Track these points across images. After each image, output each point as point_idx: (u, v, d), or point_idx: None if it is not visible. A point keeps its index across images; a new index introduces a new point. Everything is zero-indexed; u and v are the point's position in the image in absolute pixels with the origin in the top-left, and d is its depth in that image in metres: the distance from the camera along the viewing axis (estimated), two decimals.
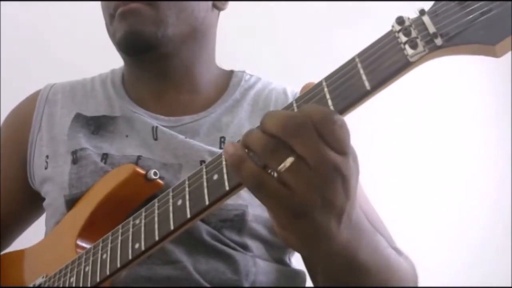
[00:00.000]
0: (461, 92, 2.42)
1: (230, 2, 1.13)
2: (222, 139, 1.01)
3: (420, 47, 0.54)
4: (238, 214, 0.94)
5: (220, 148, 0.99)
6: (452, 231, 2.28)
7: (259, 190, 0.58)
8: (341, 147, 0.56)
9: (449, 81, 2.31)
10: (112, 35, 1.04)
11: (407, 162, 2.24)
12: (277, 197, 0.57)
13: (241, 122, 1.03)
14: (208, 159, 0.94)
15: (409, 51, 0.54)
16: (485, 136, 2.47)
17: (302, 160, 0.55)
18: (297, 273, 1.03)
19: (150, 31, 0.98)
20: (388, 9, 2.00)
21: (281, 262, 1.02)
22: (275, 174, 0.57)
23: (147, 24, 0.98)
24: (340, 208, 0.58)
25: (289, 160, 0.56)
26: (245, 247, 0.96)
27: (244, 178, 0.58)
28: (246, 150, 0.59)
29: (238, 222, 0.94)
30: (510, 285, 2.22)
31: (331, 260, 0.68)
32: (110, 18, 1.02)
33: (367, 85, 0.57)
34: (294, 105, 0.62)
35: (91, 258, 0.85)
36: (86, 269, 0.84)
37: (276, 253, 1.01)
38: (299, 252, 0.75)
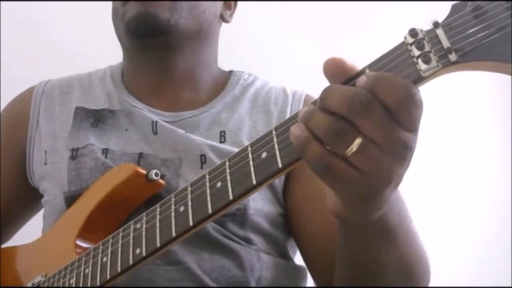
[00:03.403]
0: (461, 92, 2.40)
1: (238, 3, 1.17)
2: (222, 133, 1.01)
3: (434, 62, 0.52)
4: (239, 208, 0.94)
5: (221, 142, 0.99)
6: (452, 231, 2.28)
7: (326, 174, 0.55)
8: (414, 125, 0.54)
9: (448, 81, 2.29)
10: (120, 17, 1.03)
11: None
12: (347, 181, 0.54)
13: (241, 118, 1.04)
14: (209, 153, 0.96)
15: (422, 65, 0.53)
16: (485, 136, 2.46)
17: (370, 140, 0.52)
18: (299, 269, 1.04)
19: (163, 16, 0.99)
20: (399, 11, 1.99)
21: (284, 256, 1.02)
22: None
23: (162, 9, 0.99)
24: (400, 180, 0.57)
25: (356, 143, 0.52)
26: (248, 241, 0.96)
27: (310, 162, 0.55)
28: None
29: (240, 216, 0.95)
30: (510, 285, 2.22)
31: (367, 223, 0.66)
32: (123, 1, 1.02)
33: None
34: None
35: (91, 261, 0.84)
36: (86, 271, 0.84)
37: (279, 248, 1.01)
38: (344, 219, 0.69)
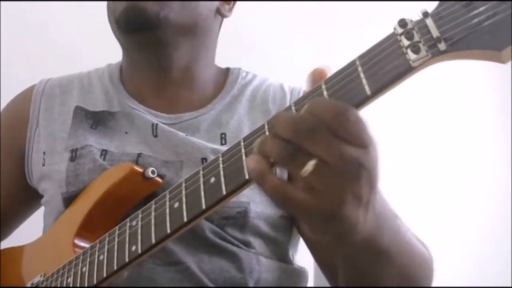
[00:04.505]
0: (461, 91, 2.40)
1: (237, 2, 1.14)
2: (223, 135, 1.00)
3: (423, 52, 0.52)
4: (240, 212, 0.94)
5: (221, 144, 0.99)
6: (452, 231, 2.27)
7: (286, 204, 0.57)
8: (360, 141, 0.55)
9: (448, 80, 2.29)
10: (112, 12, 1.02)
11: (406, 161, 2.22)
12: (306, 207, 0.56)
13: (240, 118, 1.03)
14: (210, 156, 0.95)
15: (411, 55, 0.52)
16: (485, 135, 2.45)
17: (322, 161, 0.54)
18: (300, 271, 1.03)
19: (152, 9, 0.97)
20: (400, 11, 1.98)
21: (284, 259, 1.02)
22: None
23: (151, 3, 0.97)
24: (367, 200, 0.57)
25: (311, 164, 0.54)
26: (247, 245, 0.96)
27: (269, 194, 0.57)
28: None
29: (241, 219, 0.94)
30: (510, 285, 2.21)
31: (356, 249, 0.67)
32: None
33: (367, 89, 0.55)
34: (293, 108, 0.60)
35: (88, 259, 0.84)
36: (83, 270, 0.84)
37: (279, 250, 1.01)
38: (330, 248, 0.72)
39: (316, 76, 0.61)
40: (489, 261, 2.29)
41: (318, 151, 0.54)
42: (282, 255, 1.01)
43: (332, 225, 0.57)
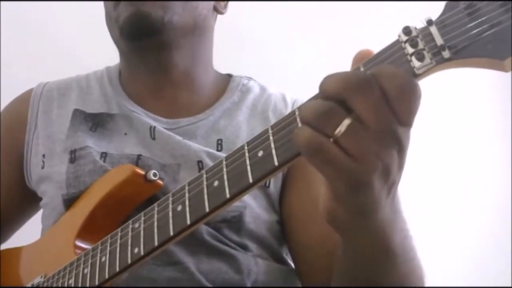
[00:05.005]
0: (461, 92, 2.40)
1: (235, 3, 1.16)
2: (219, 141, 1.01)
3: (427, 59, 0.52)
4: (235, 216, 0.94)
5: (218, 150, 0.99)
6: (452, 231, 2.28)
7: (316, 156, 0.53)
8: (409, 118, 0.53)
9: (448, 80, 2.29)
10: (114, 20, 1.02)
11: (406, 161, 2.22)
12: (337, 165, 0.53)
13: (238, 125, 1.03)
14: (206, 159, 0.96)
15: (415, 63, 0.53)
16: (485, 135, 2.45)
17: (360, 122, 0.52)
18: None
19: (156, 14, 0.98)
20: (400, 11, 1.98)
21: (280, 262, 1.02)
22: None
23: (155, 7, 0.98)
24: (393, 180, 0.56)
25: (345, 123, 0.51)
26: (245, 248, 0.96)
27: (299, 143, 0.54)
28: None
29: (236, 223, 0.95)
30: (510, 285, 2.21)
31: (366, 240, 0.65)
32: (115, 3, 1.01)
33: None
34: (296, 113, 0.60)
35: (89, 261, 0.84)
36: (85, 271, 0.84)
37: (275, 254, 1.01)
38: (341, 230, 0.67)
39: (358, 58, 0.58)
40: (489, 261, 2.29)
41: (363, 110, 0.51)
42: (278, 259, 1.02)
43: (358, 193, 0.55)
